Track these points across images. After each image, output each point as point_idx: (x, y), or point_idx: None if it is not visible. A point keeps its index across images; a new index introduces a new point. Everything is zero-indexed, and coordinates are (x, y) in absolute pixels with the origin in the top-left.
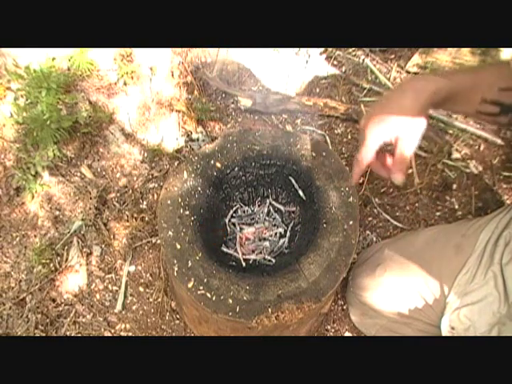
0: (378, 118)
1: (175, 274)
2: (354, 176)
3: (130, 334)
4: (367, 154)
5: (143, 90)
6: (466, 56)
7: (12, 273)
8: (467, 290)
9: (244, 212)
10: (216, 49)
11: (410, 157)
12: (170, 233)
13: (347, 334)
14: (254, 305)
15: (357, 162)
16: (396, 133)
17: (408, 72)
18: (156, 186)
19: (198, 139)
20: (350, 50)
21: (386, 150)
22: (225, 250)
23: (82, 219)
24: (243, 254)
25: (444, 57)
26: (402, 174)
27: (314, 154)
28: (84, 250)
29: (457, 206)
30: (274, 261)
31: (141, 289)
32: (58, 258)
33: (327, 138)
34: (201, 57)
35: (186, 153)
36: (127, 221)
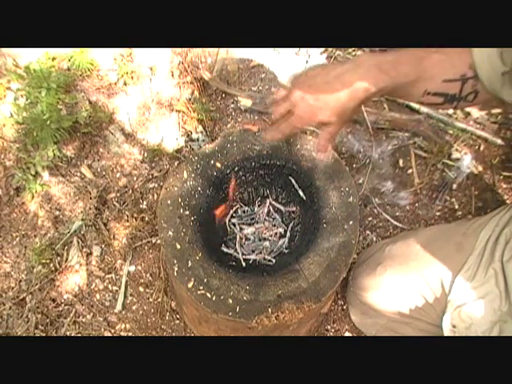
0: (312, 94)
1: (175, 273)
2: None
3: (130, 334)
4: (281, 108)
5: (143, 90)
6: None
7: (12, 273)
8: (468, 288)
9: (244, 212)
10: (216, 49)
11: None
12: (170, 233)
13: (347, 334)
14: (253, 305)
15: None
16: (326, 117)
17: None
18: (156, 185)
19: (197, 139)
20: (350, 50)
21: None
22: (225, 250)
23: (82, 219)
24: (243, 254)
25: None
26: (327, 154)
27: (314, 154)
28: (84, 249)
29: (457, 206)
30: (274, 261)
31: (141, 289)
32: (58, 258)
33: None
34: (201, 57)
35: (186, 153)
36: (127, 221)
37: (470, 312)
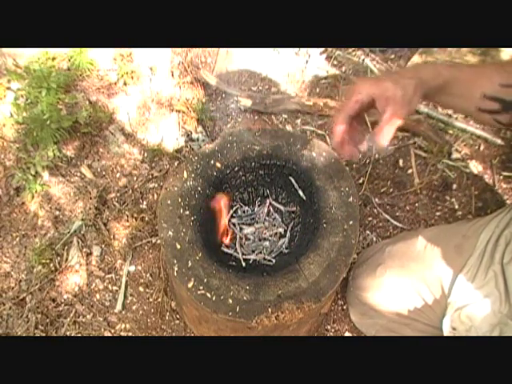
0: (372, 79)
1: (175, 274)
2: (336, 134)
3: (130, 334)
4: (349, 105)
5: (143, 90)
6: (465, 56)
7: (12, 273)
8: (468, 290)
9: (244, 212)
10: (216, 49)
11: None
12: (170, 233)
13: (347, 334)
14: (253, 305)
15: (335, 116)
16: (388, 94)
17: None
18: (156, 185)
19: (197, 139)
20: (350, 50)
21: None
22: (225, 249)
23: (82, 219)
24: (243, 254)
25: (444, 57)
26: (388, 140)
27: (314, 154)
28: (84, 249)
29: (457, 206)
30: (273, 261)
31: (141, 289)
32: (58, 258)
33: (327, 137)
34: (201, 57)
35: (186, 153)
36: (127, 221)
37: (469, 314)
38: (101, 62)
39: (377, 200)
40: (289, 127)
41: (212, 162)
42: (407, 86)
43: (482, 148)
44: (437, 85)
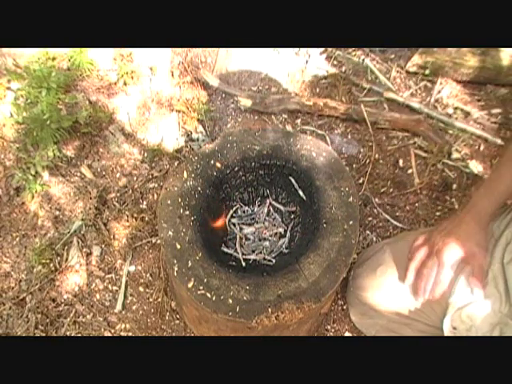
0: (453, 240)
1: (175, 274)
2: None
3: (130, 334)
4: (446, 276)
5: (143, 90)
6: (465, 56)
7: (12, 273)
8: (469, 289)
9: (244, 212)
10: (216, 49)
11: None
12: (170, 233)
13: (347, 334)
14: (253, 305)
15: (436, 284)
16: (472, 252)
17: (408, 72)
18: (156, 185)
19: (197, 139)
20: (350, 50)
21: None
22: (225, 249)
23: (82, 219)
24: (243, 254)
25: (444, 57)
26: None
27: (314, 154)
28: (84, 249)
29: (457, 206)
30: (274, 261)
31: (141, 289)
32: (58, 258)
33: (327, 137)
34: (201, 57)
35: (186, 153)
36: (127, 221)
37: (470, 314)
38: (101, 62)
39: (377, 200)
40: (289, 127)
41: (212, 161)
42: (484, 244)
43: (481, 148)
44: (497, 203)
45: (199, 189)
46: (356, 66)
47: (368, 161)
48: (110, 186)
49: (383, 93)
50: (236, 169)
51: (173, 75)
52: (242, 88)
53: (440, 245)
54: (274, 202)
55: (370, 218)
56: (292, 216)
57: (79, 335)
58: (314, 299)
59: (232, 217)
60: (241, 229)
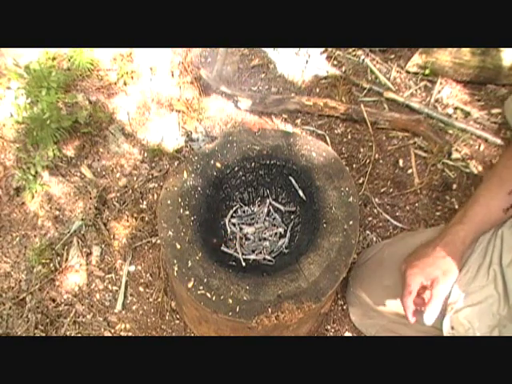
0: (418, 267)
1: (175, 274)
2: (409, 315)
3: (130, 334)
4: (411, 297)
5: (143, 90)
6: (465, 56)
7: (12, 273)
8: (468, 290)
9: (244, 212)
10: (216, 49)
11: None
12: (170, 233)
13: (347, 333)
14: (253, 305)
15: (404, 304)
16: (433, 277)
17: (408, 72)
18: (156, 185)
19: (197, 139)
20: (350, 50)
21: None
22: (225, 249)
23: (82, 219)
24: (243, 254)
25: (444, 57)
26: (433, 315)
27: (314, 154)
28: (84, 249)
29: (457, 206)
30: (274, 261)
31: (141, 289)
32: (58, 258)
33: (327, 137)
34: (201, 57)
35: (186, 153)
36: (127, 221)
37: (468, 315)
38: (101, 62)
39: (377, 200)
40: (289, 127)
41: (212, 162)
42: (448, 273)
43: (482, 148)
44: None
45: (199, 189)
46: (356, 65)
47: (368, 161)
48: (109, 186)
49: (383, 93)
50: (236, 169)
51: (173, 75)
52: (241, 88)
53: (404, 270)
54: (273, 202)
55: (370, 218)
56: (292, 216)
57: (79, 335)
58: (313, 299)
59: (232, 217)
60: (241, 229)
